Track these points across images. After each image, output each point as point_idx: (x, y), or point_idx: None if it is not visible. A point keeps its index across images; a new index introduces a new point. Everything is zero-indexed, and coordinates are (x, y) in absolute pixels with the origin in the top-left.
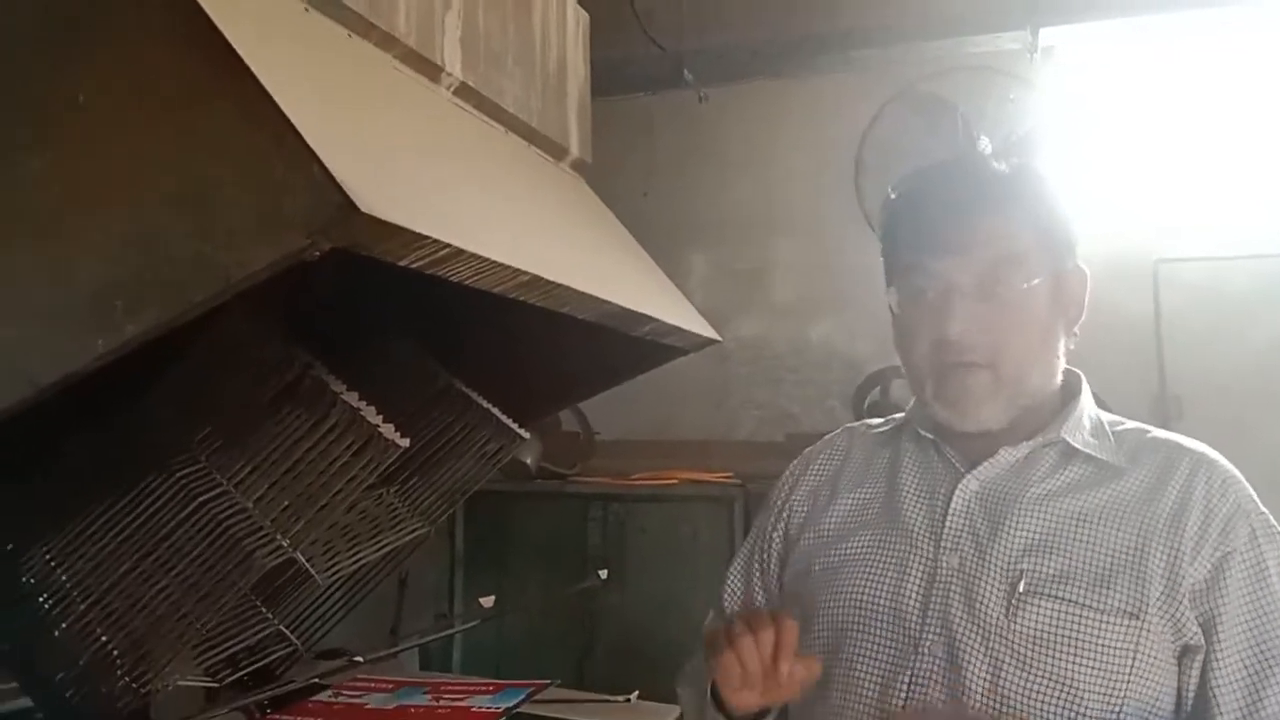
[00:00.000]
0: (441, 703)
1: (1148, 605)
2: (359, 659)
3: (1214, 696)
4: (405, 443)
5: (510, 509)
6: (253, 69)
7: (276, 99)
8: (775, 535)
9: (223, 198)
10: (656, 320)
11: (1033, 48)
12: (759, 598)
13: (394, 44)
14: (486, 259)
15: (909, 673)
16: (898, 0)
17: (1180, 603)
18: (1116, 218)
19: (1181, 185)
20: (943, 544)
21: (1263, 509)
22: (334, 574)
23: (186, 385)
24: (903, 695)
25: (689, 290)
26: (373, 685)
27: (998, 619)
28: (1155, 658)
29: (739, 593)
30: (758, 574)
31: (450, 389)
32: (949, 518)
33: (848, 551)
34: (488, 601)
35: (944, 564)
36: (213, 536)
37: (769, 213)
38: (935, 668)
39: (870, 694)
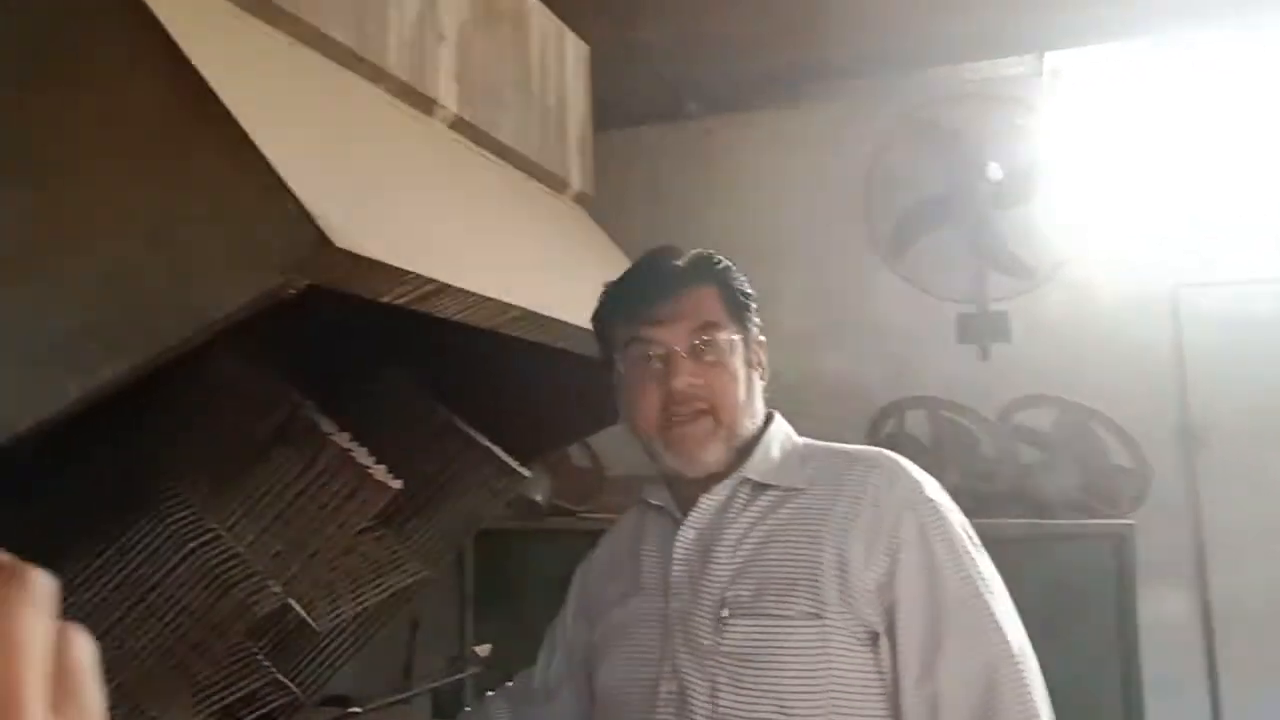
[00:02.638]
0: None
1: (827, 605)
2: (356, 710)
3: (900, 674)
4: (397, 484)
5: (520, 547)
6: (228, 104)
7: (251, 134)
8: (568, 614)
9: (198, 236)
10: None
11: (1039, 72)
12: (560, 669)
13: (385, 78)
14: (474, 294)
15: (652, 716)
16: (899, 26)
17: (858, 597)
18: (1132, 244)
19: (1200, 209)
20: (669, 593)
21: (931, 497)
22: (336, 619)
23: (177, 425)
24: None
25: None
26: None
27: (709, 645)
28: (844, 651)
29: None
30: (562, 648)
31: (449, 426)
32: (673, 567)
33: (610, 625)
34: (483, 651)
35: (671, 611)
36: (205, 583)
37: (776, 241)
38: (670, 703)
39: None
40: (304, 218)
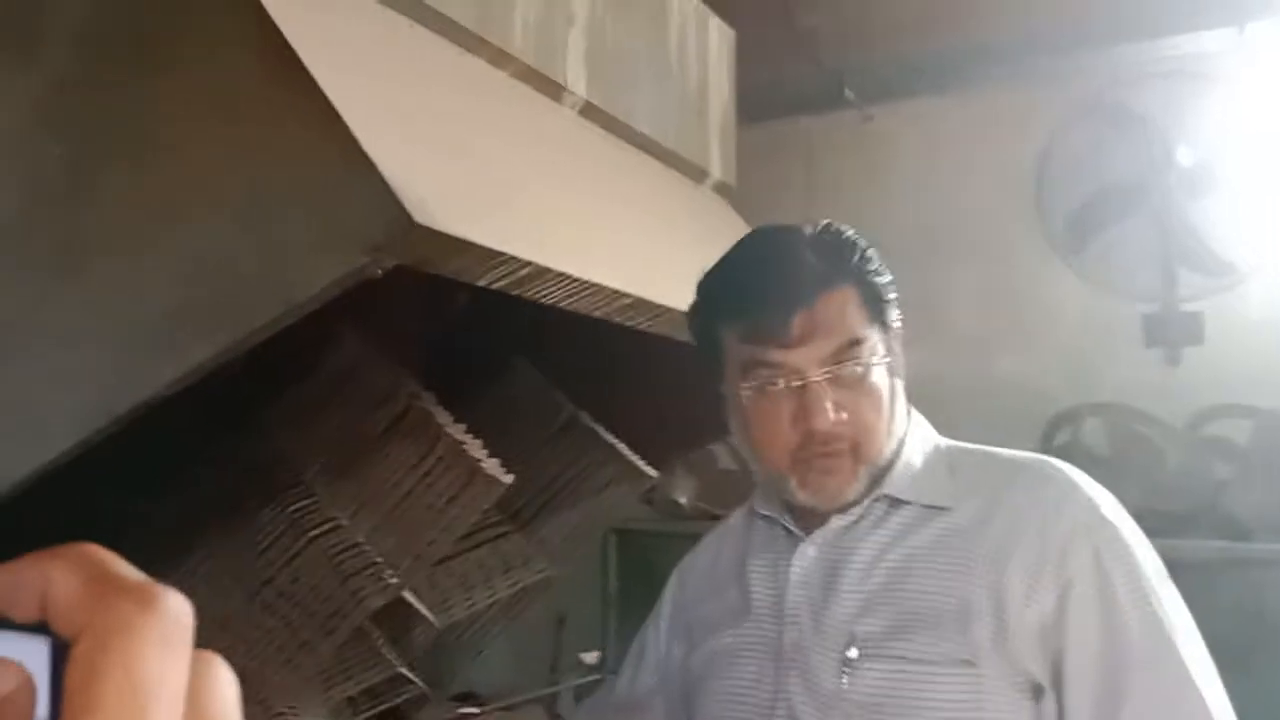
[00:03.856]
0: None
1: (980, 649)
2: (474, 710)
3: None
4: (509, 479)
5: (664, 548)
6: (319, 81)
7: (345, 115)
8: (662, 626)
9: (286, 216)
10: None
11: (1239, 47)
12: (649, 682)
13: (509, 61)
14: (579, 279)
15: None
16: (1081, 3)
17: (1017, 640)
18: None
19: None
20: (784, 621)
21: (1109, 519)
22: (469, 611)
23: (300, 413)
24: None
25: None
26: None
27: (833, 690)
28: (1001, 706)
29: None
30: (652, 659)
31: (575, 423)
32: (789, 591)
33: (710, 651)
34: (590, 658)
35: (786, 641)
36: (324, 573)
37: (942, 237)
38: None
39: None
40: (388, 195)
